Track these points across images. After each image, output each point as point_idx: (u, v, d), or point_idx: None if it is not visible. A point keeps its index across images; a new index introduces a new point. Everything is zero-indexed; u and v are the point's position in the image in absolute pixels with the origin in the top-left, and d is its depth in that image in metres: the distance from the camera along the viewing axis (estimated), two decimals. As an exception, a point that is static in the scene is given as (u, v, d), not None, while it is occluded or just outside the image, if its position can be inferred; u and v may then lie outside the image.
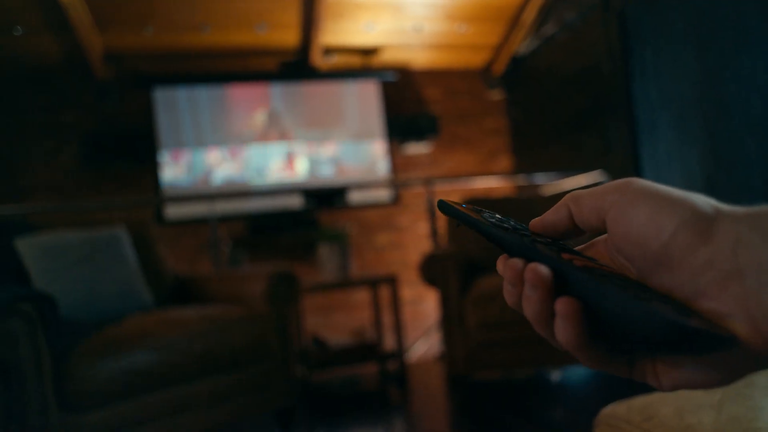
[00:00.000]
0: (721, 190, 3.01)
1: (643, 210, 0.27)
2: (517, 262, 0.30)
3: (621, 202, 0.28)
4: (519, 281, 0.30)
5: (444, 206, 0.35)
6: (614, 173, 3.58)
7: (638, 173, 3.40)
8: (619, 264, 0.30)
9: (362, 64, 4.64)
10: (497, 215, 0.35)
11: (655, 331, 0.24)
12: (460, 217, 0.34)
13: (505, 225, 0.33)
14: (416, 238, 4.62)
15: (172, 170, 4.22)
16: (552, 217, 0.33)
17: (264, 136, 4.40)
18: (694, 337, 0.23)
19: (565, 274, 0.28)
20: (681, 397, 0.61)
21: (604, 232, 0.31)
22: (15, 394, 1.50)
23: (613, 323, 0.25)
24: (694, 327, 0.23)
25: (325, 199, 4.35)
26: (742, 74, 2.75)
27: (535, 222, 0.34)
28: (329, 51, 4.44)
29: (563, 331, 0.27)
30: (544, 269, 0.28)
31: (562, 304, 0.27)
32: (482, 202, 3.20)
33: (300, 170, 4.42)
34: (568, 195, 0.32)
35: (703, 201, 0.27)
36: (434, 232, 3.38)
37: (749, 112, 2.73)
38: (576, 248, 0.34)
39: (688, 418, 0.57)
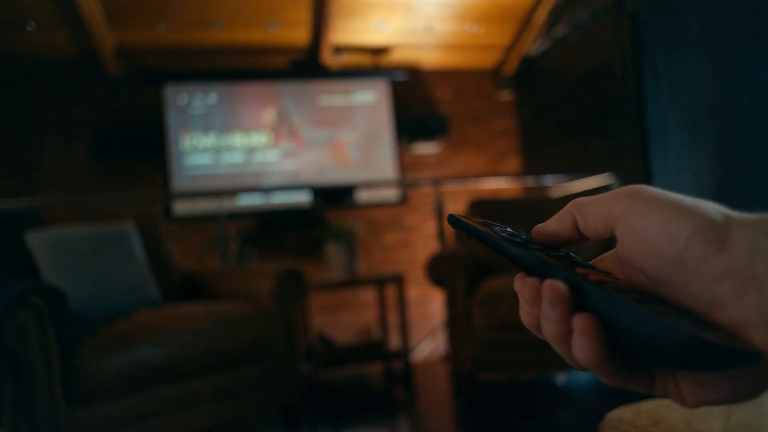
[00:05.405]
0: (731, 196, 2.98)
1: (654, 218, 0.27)
2: (534, 280, 0.30)
3: (631, 210, 0.28)
4: (536, 300, 0.29)
5: (454, 221, 0.35)
6: (624, 175, 3.56)
7: (648, 176, 3.38)
8: (632, 276, 0.29)
9: (372, 64, 4.64)
10: (508, 228, 0.34)
11: (675, 347, 0.23)
12: (471, 232, 0.34)
13: (517, 239, 0.32)
14: (423, 237, 4.62)
15: (182, 167, 4.23)
16: (555, 225, 0.32)
17: (273, 134, 4.41)
18: (716, 352, 0.22)
19: (582, 289, 0.27)
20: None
21: (609, 239, 0.30)
22: (24, 386, 1.51)
23: (632, 339, 0.25)
24: (715, 342, 0.22)
25: (333, 197, 4.36)
26: (755, 80, 2.73)
27: (538, 229, 0.33)
28: (339, 50, 4.44)
29: (581, 348, 0.27)
30: (561, 285, 0.28)
31: (578, 320, 0.26)
32: (490, 203, 3.19)
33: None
34: (572, 203, 0.32)
35: (715, 208, 0.26)
36: (441, 232, 3.38)
37: (761, 118, 2.71)
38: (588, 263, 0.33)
39: (696, 423, 0.57)
